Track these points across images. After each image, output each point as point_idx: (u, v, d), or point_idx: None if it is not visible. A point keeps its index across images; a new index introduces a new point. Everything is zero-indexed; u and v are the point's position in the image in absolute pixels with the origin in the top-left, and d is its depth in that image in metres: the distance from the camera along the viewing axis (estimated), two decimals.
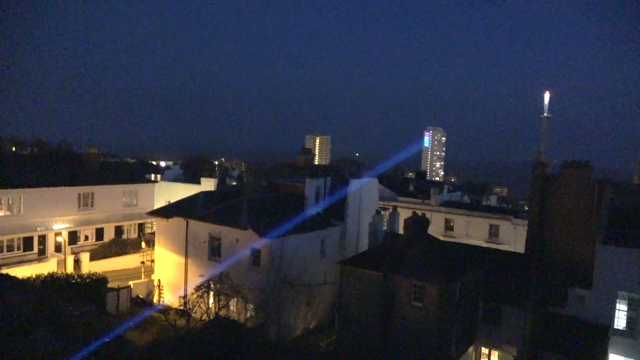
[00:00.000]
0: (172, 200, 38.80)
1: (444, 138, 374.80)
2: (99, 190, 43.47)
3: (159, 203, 47.59)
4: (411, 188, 66.67)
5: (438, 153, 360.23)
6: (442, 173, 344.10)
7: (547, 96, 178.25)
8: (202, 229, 30.73)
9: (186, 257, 31.80)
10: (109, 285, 31.92)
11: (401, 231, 28.71)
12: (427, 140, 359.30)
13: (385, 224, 33.31)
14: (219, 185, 53.70)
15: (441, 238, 46.33)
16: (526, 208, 61.79)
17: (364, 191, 36.42)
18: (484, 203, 72.33)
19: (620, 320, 23.83)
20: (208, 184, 53.56)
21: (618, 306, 23.77)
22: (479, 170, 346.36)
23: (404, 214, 34.95)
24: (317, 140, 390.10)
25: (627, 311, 23.53)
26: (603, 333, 23.51)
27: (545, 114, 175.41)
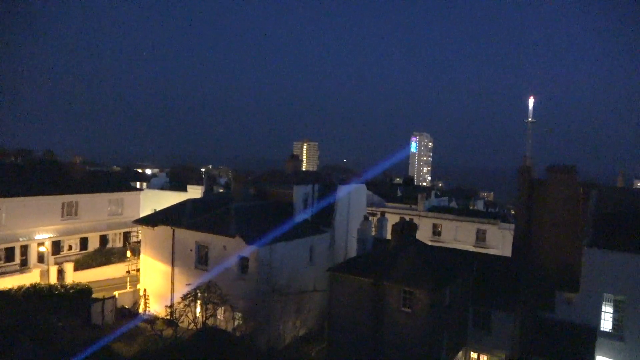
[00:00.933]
0: (159, 209, 38.54)
1: (430, 143, 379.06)
2: (84, 199, 43.00)
3: (145, 211, 47.04)
4: (399, 194, 66.98)
5: (425, 158, 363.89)
6: (430, 178, 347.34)
7: (531, 101, 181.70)
8: (189, 237, 30.55)
9: (173, 265, 31.53)
10: (94, 295, 31.50)
11: (389, 237, 28.77)
12: (414, 146, 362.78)
13: (373, 230, 33.50)
14: (206, 192, 53.36)
15: (429, 243, 46.56)
16: (513, 212, 62.42)
17: (352, 197, 36.60)
18: (471, 208, 72.90)
19: (606, 323, 24.05)
20: (195, 192, 53.12)
21: (604, 308, 23.99)
22: (466, 175, 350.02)
23: (392, 219, 35.09)
24: (305, 147, 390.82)
25: (613, 313, 23.85)
26: (590, 335, 23.69)
27: (530, 119, 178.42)
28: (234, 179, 37.10)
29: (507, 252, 39.78)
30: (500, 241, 50.77)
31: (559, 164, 28.43)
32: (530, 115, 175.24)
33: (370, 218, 32.73)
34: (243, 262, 28.13)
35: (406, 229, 26.76)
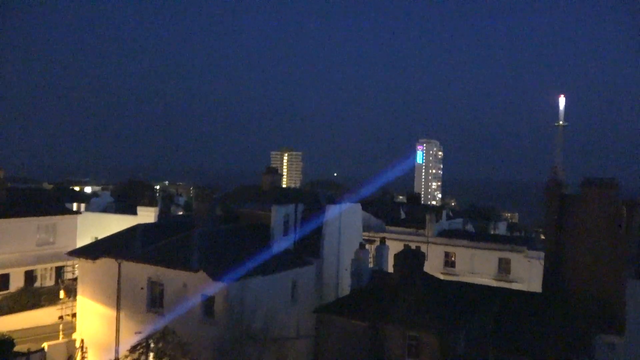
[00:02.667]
0: (101, 236, 38.06)
1: (440, 153, 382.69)
2: (4, 225, 42.42)
3: (84, 240, 46.62)
4: (402, 215, 67.23)
5: (434, 171, 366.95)
6: (440, 196, 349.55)
7: (562, 101, 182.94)
8: (140, 273, 30.37)
9: (118, 309, 31.24)
10: (17, 348, 30.91)
11: (391, 269, 28.90)
12: (420, 156, 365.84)
13: (371, 260, 33.57)
14: (161, 215, 53.17)
15: (440, 276, 46.58)
16: (542, 237, 63.03)
17: (345, 220, 36.72)
18: (491, 232, 73.38)
19: None
20: (147, 215, 52.86)
21: None
22: (484, 191, 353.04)
23: (394, 247, 35.26)
24: (286, 158, 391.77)
25: None
26: None
27: (560, 122, 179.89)
28: (197, 198, 37.17)
29: (536, 286, 40.10)
30: (527, 273, 51.07)
31: (596, 177, 29.00)
32: (561, 118, 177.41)
33: (367, 246, 33.10)
34: (208, 303, 28.01)
35: (411, 259, 26.90)
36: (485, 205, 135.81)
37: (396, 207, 72.07)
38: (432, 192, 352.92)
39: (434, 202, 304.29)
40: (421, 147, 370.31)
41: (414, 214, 66.29)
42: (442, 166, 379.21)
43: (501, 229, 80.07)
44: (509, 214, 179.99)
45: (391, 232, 57.67)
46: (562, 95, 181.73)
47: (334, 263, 35.31)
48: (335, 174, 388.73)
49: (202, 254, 29.66)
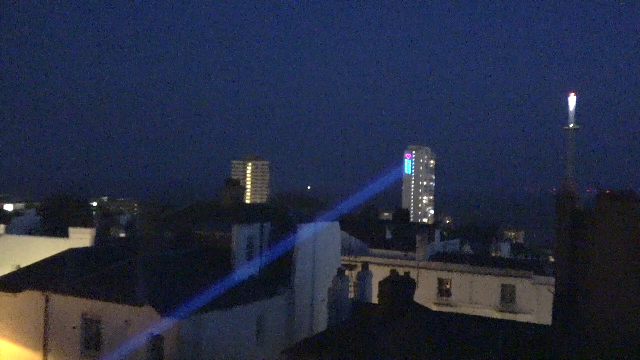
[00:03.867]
0: (25, 264, 37.77)
1: (432, 161, 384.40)
2: None
3: (3, 269, 45.36)
4: (388, 235, 67.41)
5: (425, 183, 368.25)
6: (432, 212, 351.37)
7: (572, 100, 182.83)
8: (72, 308, 29.91)
9: (45, 352, 30.64)
10: None
11: (375, 299, 29.01)
12: (408, 165, 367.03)
13: (352, 289, 33.73)
14: (98, 238, 52.24)
15: (433, 307, 46.57)
16: (552, 260, 63.79)
17: (320, 242, 37.29)
18: (493, 254, 74.02)
19: None
20: (81, 238, 51.77)
21: None
22: (483, 206, 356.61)
23: (379, 273, 35.46)
24: (249, 168, 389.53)
25: None
26: None
27: (570, 125, 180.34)
28: (143, 217, 36.84)
29: (546, 317, 40.41)
30: (535, 302, 51.67)
31: (614, 189, 29.39)
32: (572, 120, 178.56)
33: (346, 272, 32.96)
34: (156, 343, 27.66)
35: (399, 287, 27.00)
36: (485, 223, 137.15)
37: (381, 226, 72.24)
38: (423, 207, 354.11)
39: (425, 220, 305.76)
40: (409, 154, 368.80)
41: (402, 233, 66.53)
42: (434, 177, 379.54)
43: (504, 250, 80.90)
44: (513, 233, 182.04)
45: (375, 255, 57.90)
46: (573, 94, 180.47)
47: (308, 293, 35.58)
48: (309, 187, 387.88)
49: (148, 285, 29.44)
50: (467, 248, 71.42)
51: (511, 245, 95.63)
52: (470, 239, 79.33)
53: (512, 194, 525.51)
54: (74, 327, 29.81)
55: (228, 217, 36.65)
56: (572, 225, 30.20)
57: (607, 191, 30.44)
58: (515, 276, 53.54)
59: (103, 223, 57.42)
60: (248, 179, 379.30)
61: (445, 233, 78.04)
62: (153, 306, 27.58)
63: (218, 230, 35.22)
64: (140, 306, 27.85)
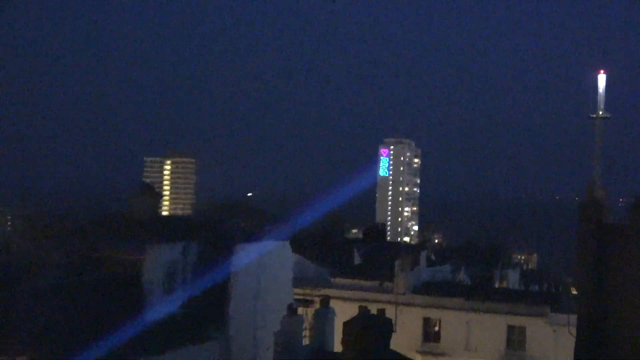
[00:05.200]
0: None
1: (416, 160, 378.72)
2: None
3: None
4: (358, 259, 67.12)
5: (406, 189, 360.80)
6: (416, 227, 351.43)
7: (601, 80, 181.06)
8: None
9: None
10: None
11: (338, 346, 28.47)
12: (384, 165, 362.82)
13: (307, 332, 34.28)
14: None
15: (418, 358, 46.35)
16: (574, 291, 64.42)
17: (266, 268, 36.94)
18: (497, 284, 74.56)
19: None
20: None
21: None
22: (484, 219, 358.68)
23: (345, 311, 34.72)
24: (168, 168, 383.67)
25: None
26: None
27: (599, 113, 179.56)
28: (24, 234, 36.26)
29: None
30: (551, 348, 51.67)
31: None
32: (601, 106, 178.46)
33: (300, 309, 32.73)
34: None
35: (372, 330, 26.47)
36: (487, 243, 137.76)
37: (348, 247, 72.08)
38: (405, 221, 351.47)
39: (407, 238, 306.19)
40: (386, 151, 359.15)
41: (376, 257, 66.34)
42: (419, 180, 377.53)
43: (512, 279, 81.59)
44: (524, 256, 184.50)
45: (340, 287, 57.70)
46: (602, 72, 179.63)
47: (248, 338, 35.02)
48: (250, 194, 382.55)
49: (27, 329, 28.50)
50: (462, 276, 71.79)
51: (521, 272, 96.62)
52: (467, 264, 79.78)
53: (521, 204, 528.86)
54: None
55: (140, 234, 36.26)
56: (600, 244, 30.24)
57: None
58: (526, 314, 53.41)
59: None
60: (166, 182, 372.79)
61: (434, 256, 78.27)
62: (34, 358, 26.96)
63: (125, 252, 34.69)
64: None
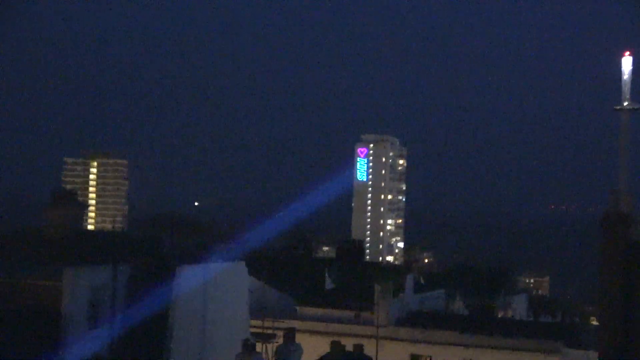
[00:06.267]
0: None
1: (401, 162, 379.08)
2: None
3: None
4: (329, 284, 67.36)
5: (389, 197, 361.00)
6: (402, 245, 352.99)
7: (626, 63, 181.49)
8: None
9: None
10: None
11: None
12: (362, 167, 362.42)
13: None
14: None
15: None
16: (594, 322, 65.28)
17: (215, 295, 37.55)
18: (501, 314, 75.06)
19: None
20: None
21: None
22: (484, 234, 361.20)
23: (314, 347, 35.22)
24: (94, 171, 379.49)
25: None
26: None
27: (625, 104, 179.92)
28: None
29: None
30: None
31: None
32: (626, 95, 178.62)
33: (259, 346, 32.55)
34: None
35: None
36: (488, 263, 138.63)
37: (318, 269, 72.28)
38: (387, 237, 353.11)
39: (390, 258, 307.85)
40: (364, 150, 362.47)
41: (352, 281, 66.58)
42: (404, 187, 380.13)
43: (519, 308, 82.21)
44: (533, 280, 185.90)
45: (308, 317, 57.99)
46: (628, 54, 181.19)
47: None
48: (196, 203, 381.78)
49: None
50: (458, 305, 72.26)
51: (530, 299, 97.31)
52: (463, 289, 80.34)
53: (529, 217, 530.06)
54: None
55: (57, 255, 35.92)
56: (627, 265, 30.77)
57: None
58: (537, 350, 54.23)
59: None
60: (92, 189, 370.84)
61: (422, 280, 78.75)
62: None
63: (39, 277, 34.38)
64: None
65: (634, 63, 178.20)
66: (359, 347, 30.20)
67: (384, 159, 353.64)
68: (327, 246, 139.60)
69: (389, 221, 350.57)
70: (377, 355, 50.10)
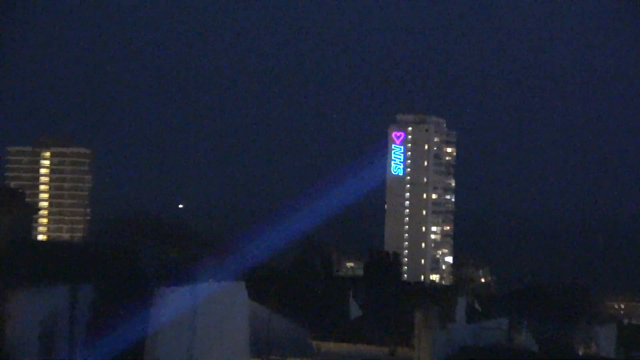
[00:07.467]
0: None
1: (449, 149, 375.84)
2: None
3: None
4: (356, 311, 67.19)
5: (434, 196, 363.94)
6: (450, 259, 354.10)
7: None
8: None
9: None
10: None
11: None
12: (397, 157, 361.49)
13: None
14: None
15: None
16: None
17: (207, 323, 36.54)
18: (582, 350, 74.86)
19: None
20: None
21: None
22: (557, 247, 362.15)
23: None
24: (46, 164, 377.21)
25: None
26: None
27: None
28: None
29: None
30: None
31: None
32: None
33: None
34: None
35: None
36: (564, 283, 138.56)
37: (340, 291, 72.17)
38: (431, 249, 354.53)
39: (435, 277, 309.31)
40: (401, 135, 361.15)
41: (385, 307, 66.51)
42: (454, 183, 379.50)
43: (605, 341, 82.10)
44: (623, 305, 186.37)
45: (327, 355, 57.57)
46: None
47: None
48: (181, 206, 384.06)
49: None
50: (525, 337, 72.12)
51: (619, 329, 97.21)
52: (531, 317, 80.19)
53: (622, 223, 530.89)
54: None
55: (4, 270, 35.68)
56: None
57: None
58: None
59: None
60: (43, 187, 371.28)
61: (478, 305, 78.86)
62: None
63: None
64: None
65: None
66: None
67: (426, 147, 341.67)
68: (351, 261, 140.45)
69: (434, 228, 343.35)
70: None
